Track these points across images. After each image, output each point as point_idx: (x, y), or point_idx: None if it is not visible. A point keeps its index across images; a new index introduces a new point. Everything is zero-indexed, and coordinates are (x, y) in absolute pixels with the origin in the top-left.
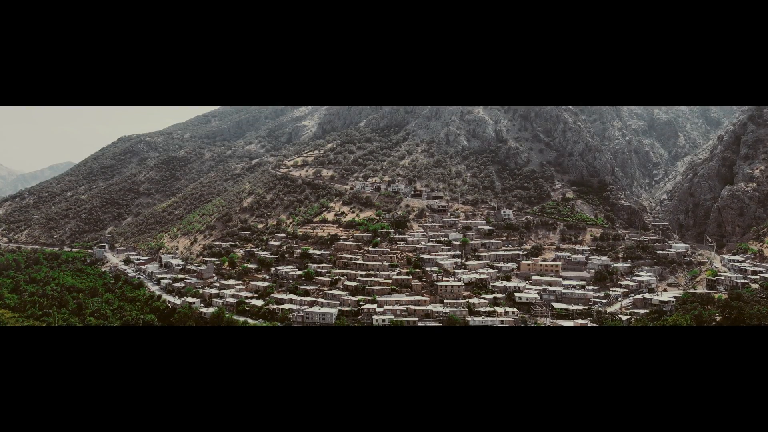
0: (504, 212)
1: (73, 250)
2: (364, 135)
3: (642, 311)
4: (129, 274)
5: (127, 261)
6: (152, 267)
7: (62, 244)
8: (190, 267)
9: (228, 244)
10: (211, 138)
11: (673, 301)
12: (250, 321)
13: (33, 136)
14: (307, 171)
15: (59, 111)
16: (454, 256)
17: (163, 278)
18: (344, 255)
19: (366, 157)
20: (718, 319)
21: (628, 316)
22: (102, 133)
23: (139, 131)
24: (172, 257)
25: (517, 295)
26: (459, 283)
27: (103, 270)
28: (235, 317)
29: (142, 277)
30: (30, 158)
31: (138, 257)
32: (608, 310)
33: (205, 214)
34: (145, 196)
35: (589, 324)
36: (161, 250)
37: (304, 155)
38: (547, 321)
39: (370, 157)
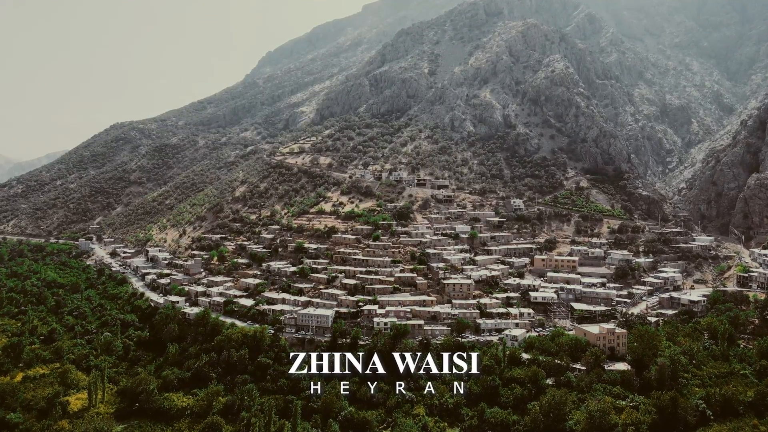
0: (514, 202)
1: (59, 241)
2: (363, 120)
3: (670, 312)
4: (114, 268)
5: (113, 254)
6: (138, 261)
7: (49, 235)
8: (177, 261)
9: (218, 236)
10: (205, 125)
11: (703, 301)
12: (238, 323)
13: (31, 125)
14: (303, 158)
15: (58, 99)
16: (461, 251)
17: (147, 273)
18: (342, 249)
19: (366, 143)
20: (757, 322)
21: (655, 318)
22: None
23: (132, 118)
24: (160, 250)
25: (532, 294)
26: (468, 281)
27: (87, 263)
28: (222, 318)
29: (126, 272)
30: (27, 147)
31: (125, 250)
32: (633, 311)
33: (195, 204)
34: (136, 185)
35: (617, 330)
36: (148, 243)
37: (301, 142)
38: (567, 323)
39: (370, 143)
